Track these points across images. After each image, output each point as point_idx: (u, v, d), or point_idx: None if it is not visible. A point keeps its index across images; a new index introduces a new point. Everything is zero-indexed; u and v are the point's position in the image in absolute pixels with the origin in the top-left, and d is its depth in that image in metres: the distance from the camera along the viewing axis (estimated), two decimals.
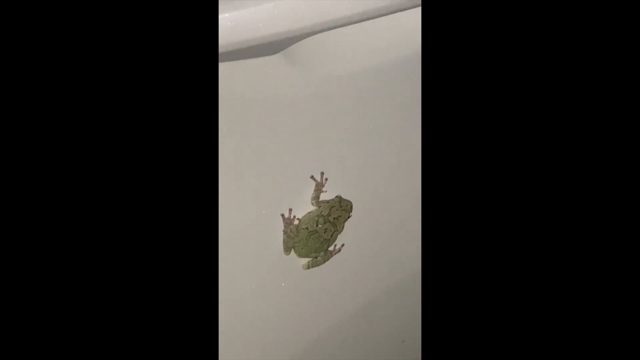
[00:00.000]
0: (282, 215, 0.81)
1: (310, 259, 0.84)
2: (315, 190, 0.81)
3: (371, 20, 0.69)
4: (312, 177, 0.81)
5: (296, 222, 0.81)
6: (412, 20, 0.76)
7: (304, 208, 0.82)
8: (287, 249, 0.82)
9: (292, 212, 0.81)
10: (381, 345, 1.02)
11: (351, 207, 0.83)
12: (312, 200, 0.81)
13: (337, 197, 0.82)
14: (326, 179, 0.82)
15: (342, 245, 0.87)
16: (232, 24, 0.59)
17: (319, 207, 0.81)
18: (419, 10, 0.71)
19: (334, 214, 0.81)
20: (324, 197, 0.82)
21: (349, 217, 0.83)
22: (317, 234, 0.81)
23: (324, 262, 0.85)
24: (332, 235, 0.82)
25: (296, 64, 0.75)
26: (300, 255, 0.83)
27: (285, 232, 0.81)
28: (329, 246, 0.84)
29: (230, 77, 0.67)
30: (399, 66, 0.80)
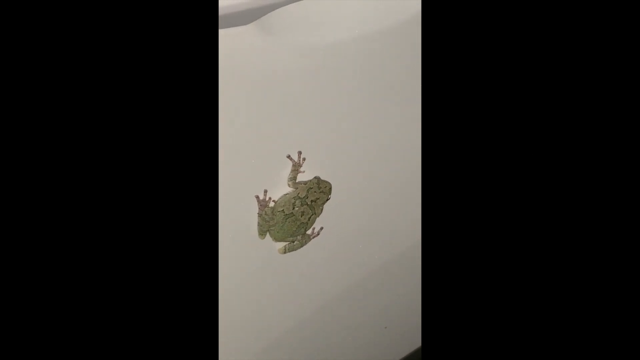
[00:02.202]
0: (257, 196, 0.76)
1: (287, 243, 0.80)
2: (292, 170, 0.77)
3: None
4: (288, 156, 0.76)
5: (271, 204, 0.77)
6: None
7: (280, 189, 0.77)
8: (261, 233, 0.78)
9: (267, 193, 0.77)
10: (362, 332, 0.99)
11: (330, 189, 0.79)
12: (288, 181, 0.77)
13: (315, 178, 0.78)
14: (304, 159, 0.77)
15: (321, 228, 0.83)
16: None
17: (296, 188, 0.77)
18: None
19: (312, 196, 0.77)
20: (301, 177, 0.78)
21: (327, 200, 0.79)
22: (294, 217, 0.77)
23: (302, 246, 0.81)
24: (309, 219, 0.78)
25: (271, 34, 0.70)
26: (276, 239, 0.79)
27: (260, 215, 0.77)
28: (306, 230, 0.80)
29: None
30: (385, 37, 0.75)
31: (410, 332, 1.02)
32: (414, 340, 1.04)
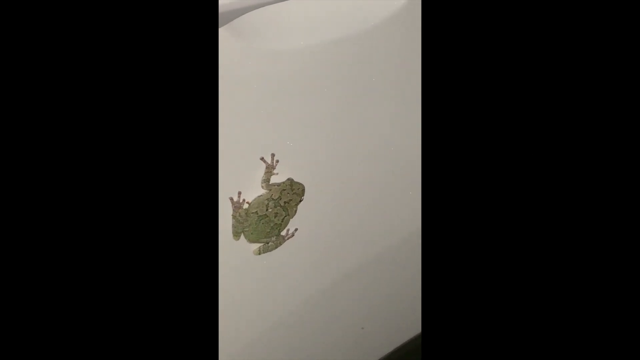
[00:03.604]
0: (231, 198, 0.77)
1: (262, 244, 0.81)
2: (265, 172, 0.78)
3: None
4: (262, 158, 0.77)
5: (245, 206, 0.78)
6: None
7: (253, 191, 0.78)
8: (236, 234, 0.79)
9: (242, 195, 0.78)
10: (339, 333, 0.99)
11: (303, 191, 0.79)
12: (262, 183, 0.78)
13: (288, 179, 0.79)
14: (277, 161, 0.78)
15: (295, 230, 0.83)
16: None
17: (269, 190, 0.78)
18: None
19: (285, 198, 0.78)
20: (274, 179, 0.79)
21: (300, 201, 0.80)
22: (268, 218, 0.78)
23: (276, 247, 0.82)
24: (283, 220, 0.79)
25: (242, 37, 0.71)
26: (250, 241, 0.80)
27: (234, 217, 0.78)
28: (280, 231, 0.80)
29: None
30: (356, 41, 0.76)
31: (387, 333, 1.02)
32: (392, 342, 1.05)
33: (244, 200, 0.78)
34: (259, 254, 0.82)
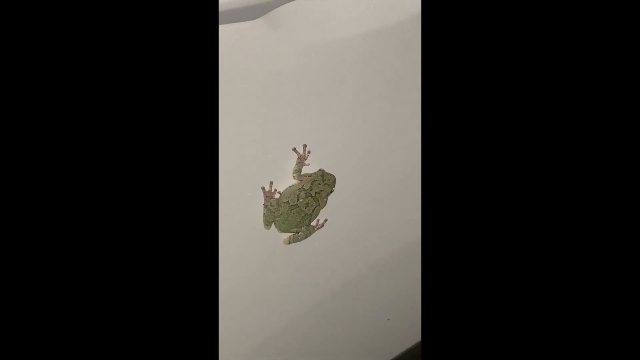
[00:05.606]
0: (263, 188, 0.78)
1: (292, 234, 0.82)
2: (297, 163, 0.78)
3: None
4: (294, 149, 0.78)
5: (277, 195, 0.79)
6: None
7: (285, 181, 0.79)
8: (267, 224, 0.80)
9: (273, 185, 0.78)
10: (365, 323, 1.00)
11: (334, 181, 0.80)
12: (293, 173, 0.79)
13: (319, 170, 0.79)
14: (309, 152, 0.79)
15: (325, 220, 0.84)
16: None
17: (301, 180, 0.79)
18: None
19: (316, 188, 0.79)
20: (306, 170, 0.79)
21: (331, 192, 0.80)
22: (299, 208, 0.79)
23: (306, 237, 0.83)
24: (313, 210, 0.80)
25: (279, 29, 0.72)
26: (281, 230, 0.81)
27: (265, 206, 0.79)
28: (310, 221, 0.81)
29: None
30: (387, 34, 0.76)
31: (413, 324, 1.03)
32: (418, 332, 1.05)
33: (275, 190, 0.79)
34: (289, 243, 0.83)
